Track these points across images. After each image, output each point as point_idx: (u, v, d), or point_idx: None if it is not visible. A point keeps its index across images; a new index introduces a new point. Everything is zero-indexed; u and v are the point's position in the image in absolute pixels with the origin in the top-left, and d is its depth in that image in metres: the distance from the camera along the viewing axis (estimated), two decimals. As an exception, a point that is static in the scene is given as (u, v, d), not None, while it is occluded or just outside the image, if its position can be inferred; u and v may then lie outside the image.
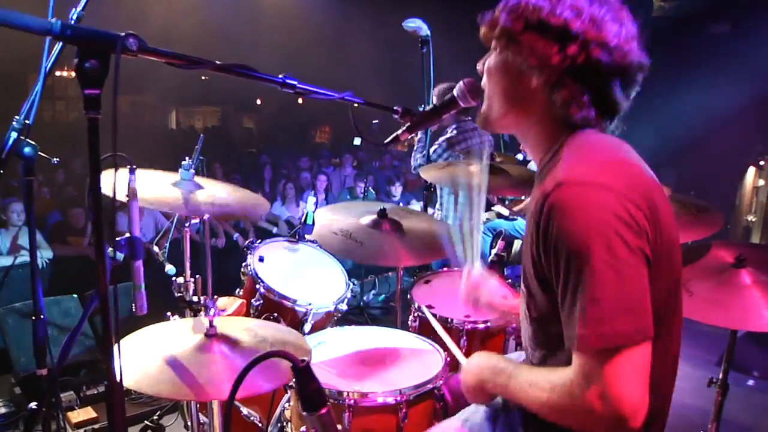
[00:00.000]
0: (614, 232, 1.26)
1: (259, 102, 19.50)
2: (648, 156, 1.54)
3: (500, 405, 1.77)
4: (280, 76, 1.57)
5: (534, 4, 1.43)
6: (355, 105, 1.77)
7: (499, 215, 5.55)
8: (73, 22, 1.97)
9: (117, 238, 1.70)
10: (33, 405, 1.86)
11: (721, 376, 2.83)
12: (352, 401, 2.19)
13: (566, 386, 1.32)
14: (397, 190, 8.34)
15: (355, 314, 5.92)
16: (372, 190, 8.43)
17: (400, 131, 1.95)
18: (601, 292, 1.25)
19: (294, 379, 1.34)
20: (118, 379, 1.31)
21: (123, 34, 1.24)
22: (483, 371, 1.65)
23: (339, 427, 1.39)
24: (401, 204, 7.77)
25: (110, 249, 1.64)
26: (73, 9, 1.97)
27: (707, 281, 2.62)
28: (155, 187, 2.45)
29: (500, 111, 1.59)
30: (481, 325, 2.82)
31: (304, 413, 1.36)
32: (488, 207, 5.60)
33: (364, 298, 6.35)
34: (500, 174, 3.78)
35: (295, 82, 1.59)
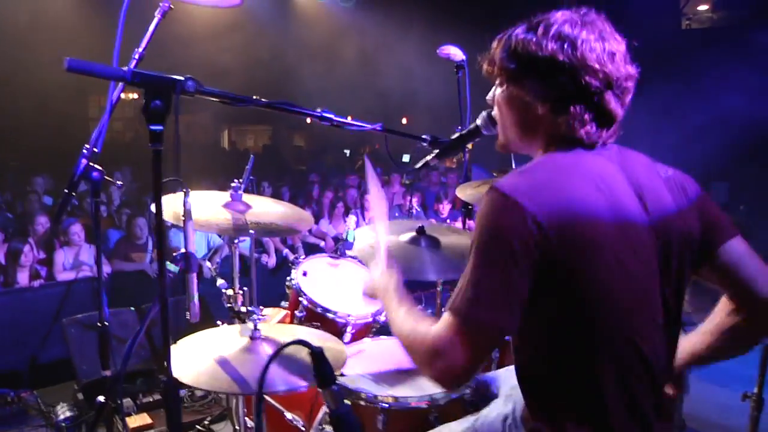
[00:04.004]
0: (505, 241, 1.44)
1: (308, 120, 19.85)
2: (700, 170, 1.61)
3: (511, 413, 1.84)
4: (318, 110, 1.75)
5: (522, 39, 1.57)
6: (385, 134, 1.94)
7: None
8: (135, 61, 2.21)
9: (174, 254, 1.93)
10: (100, 398, 2.07)
11: (755, 390, 2.87)
12: (386, 405, 2.35)
13: (427, 332, 1.56)
14: (444, 207, 8.43)
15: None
16: (419, 207, 8.53)
17: (429, 157, 2.12)
18: (478, 282, 1.47)
19: (311, 361, 1.58)
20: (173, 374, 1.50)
21: (182, 78, 1.44)
22: (388, 293, 1.87)
23: (347, 402, 1.61)
24: (449, 221, 7.86)
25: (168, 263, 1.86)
26: (136, 49, 2.21)
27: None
28: (206, 210, 2.66)
29: (514, 138, 1.73)
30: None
31: (318, 389, 1.59)
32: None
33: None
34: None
35: (331, 116, 1.77)
